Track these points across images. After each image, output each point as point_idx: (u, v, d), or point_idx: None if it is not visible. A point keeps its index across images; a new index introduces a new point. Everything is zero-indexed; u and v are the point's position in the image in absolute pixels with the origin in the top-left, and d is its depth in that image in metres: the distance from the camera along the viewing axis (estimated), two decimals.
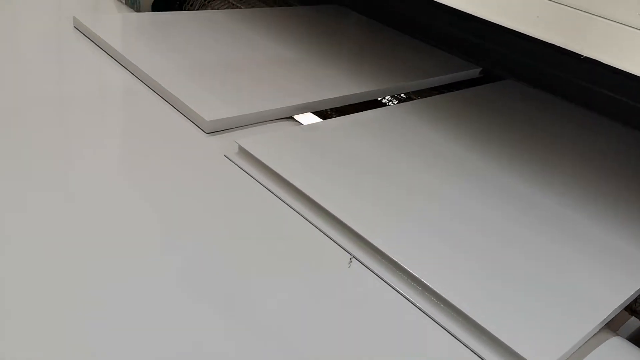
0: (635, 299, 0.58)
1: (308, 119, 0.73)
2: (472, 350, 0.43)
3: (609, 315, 0.47)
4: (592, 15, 0.43)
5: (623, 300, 0.48)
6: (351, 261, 0.50)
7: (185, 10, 1.19)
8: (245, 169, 0.60)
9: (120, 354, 0.38)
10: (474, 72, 0.99)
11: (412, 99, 0.89)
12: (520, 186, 0.62)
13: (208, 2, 1.16)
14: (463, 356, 0.43)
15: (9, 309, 0.40)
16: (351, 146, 0.65)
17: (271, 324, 0.43)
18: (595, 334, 0.46)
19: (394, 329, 0.44)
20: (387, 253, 0.49)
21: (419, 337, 0.44)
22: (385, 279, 0.48)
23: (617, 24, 0.42)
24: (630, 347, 0.46)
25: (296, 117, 0.72)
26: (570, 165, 0.70)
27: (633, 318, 0.95)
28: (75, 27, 0.89)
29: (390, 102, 0.91)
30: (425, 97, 0.88)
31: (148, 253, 0.48)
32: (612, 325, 0.90)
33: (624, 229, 0.57)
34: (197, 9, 1.17)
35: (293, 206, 0.55)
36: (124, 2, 1.06)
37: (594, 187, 0.65)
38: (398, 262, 0.48)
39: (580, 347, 0.44)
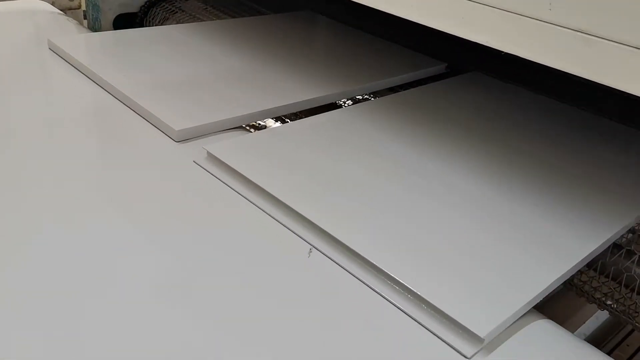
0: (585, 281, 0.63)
1: (271, 124, 0.77)
2: (414, 319, 0.47)
3: (542, 292, 0.50)
4: (509, 13, 0.47)
5: (556, 278, 0.51)
6: (311, 251, 0.54)
7: (147, 25, 1.23)
8: (213, 172, 0.64)
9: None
10: (440, 67, 1.02)
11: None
12: (463, 181, 0.66)
13: (170, 16, 1.20)
14: (404, 322, 0.47)
15: None
16: (308, 147, 0.69)
17: (246, 315, 0.47)
18: (524, 315, 0.48)
19: (356, 316, 0.48)
20: (343, 240, 0.53)
21: (366, 310, 0.48)
22: (341, 263, 0.52)
23: (531, 19, 0.47)
24: (557, 328, 0.48)
25: (260, 122, 0.77)
26: (527, 155, 0.73)
27: (599, 311, 0.99)
28: (50, 48, 0.93)
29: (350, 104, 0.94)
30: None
31: (120, 256, 0.52)
32: (575, 321, 0.94)
33: (560, 215, 0.61)
34: (159, 23, 1.21)
35: (257, 204, 0.59)
36: (85, 25, 1.11)
37: (546, 177, 0.68)
38: (358, 251, 0.52)
39: (509, 327, 0.47)
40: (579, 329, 0.88)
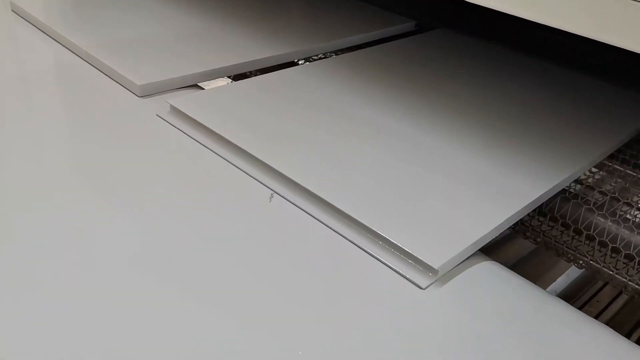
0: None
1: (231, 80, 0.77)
2: (372, 255, 0.48)
3: (492, 232, 0.51)
4: None
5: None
6: (272, 196, 0.55)
7: None
8: (176, 125, 0.64)
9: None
10: (409, 25, 1.01)
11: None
12: (417, 132, 0.67)
13: None
14: (363, 258, 0.48)
15: None
16: (269, 100, 0.69)
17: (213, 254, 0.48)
18: (474, 257, 0.49)
19: (316, 254, 0.49)
20: (301, 183, 0.54)
21: (324, 248, 0.49)
22: (300, 205, 0.53)
23: None
24: (503, 270, 0.49)
25: (221, 79, 0.77)
26: (483, 106, 0.74)
27: (573, 267, 1.01)
28: (13, 10, 0.92)
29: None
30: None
31: (86, 213, 0.52)
32: (547, 278, 0.96)
33: (512, 162, 0.61)
34: None
35: (220, 154, 0.60)
36: None
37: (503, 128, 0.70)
38: (317, 193, 0.53)
39: (460, 264, 0.48)
40: (550, 286, 0.90)
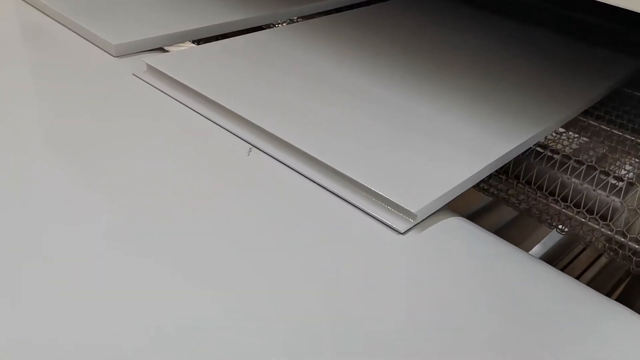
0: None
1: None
2: (352, 204, 0.49)
3: (463, 183, 0.51)
4: None
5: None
6: (250, 150, 0.55)
7: None
8: (152, 84, 0.63)
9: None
10: None
11: None
12: (386, 91, 0.67)
13: None
14: (343, 207, 0.48)
15: None
16: (242, 62, 0.69)
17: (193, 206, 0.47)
18: (437, 212, 0.50)
19: (296, 205, 0.49)
20: (280, 136, 0.54)
21: (304, 199, 0.49)
22: (277, 156, 0.54)
23: None
24: (469, 224, 0.49)
25: (189, 42, 0.76)
26: (452, 64, 0.75)
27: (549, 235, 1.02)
28: None
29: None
30: None
31: (62, 174, 0.51)
32: (530, 241, 0.96)
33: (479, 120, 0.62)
34: None
35: (198, 110, 0.59)
36: None
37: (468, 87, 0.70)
38: (292, 143, 0.53)
39: (433, 215, 0.49)
40: (530, 251, 0.92)
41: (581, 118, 0.69)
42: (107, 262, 0.41)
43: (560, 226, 0.63)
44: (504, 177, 0.62)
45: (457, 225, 0.49)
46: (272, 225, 0.46)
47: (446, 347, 0.38)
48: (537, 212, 0.62)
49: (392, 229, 0.47)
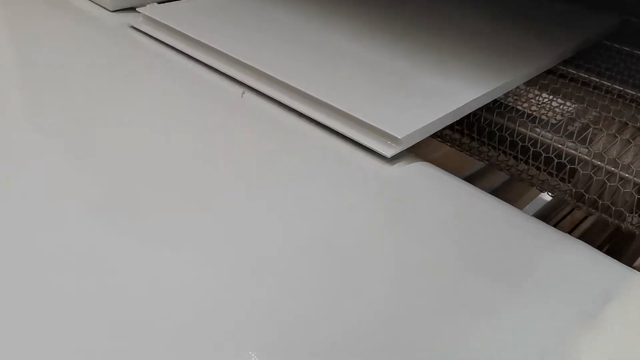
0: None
1: None
2: (340, 133, 0.51)
3: (445, 117, 0.53)
4: None
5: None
6: (244, 93, 0.58)
7: None
8: (149, 32, 0.66)
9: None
10: None
11: None
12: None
13: None
14: (330, 140, 0.51)
15: None
16: (232, 14, 0.71)
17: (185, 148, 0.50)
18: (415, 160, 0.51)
19: (288, 141, 0.52)
20: (272, 74, 0.57)
21: (295, 134, 0.52)
22: (271, 94, 0.56)
23: None
24: (437, 170, 0.51)
25: None
26: (419, 17, 0.77)
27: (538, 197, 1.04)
28: None
29: None
30: None
31: (65, 119, 0.54)
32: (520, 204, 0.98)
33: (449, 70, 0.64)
34: None
35: (193, 55, 0.62)
36: None
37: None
38: (284, 80, 0.56)
39: (402, 160, 0.51)
40: None
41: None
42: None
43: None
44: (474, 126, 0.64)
45: (428, 171, 0.51)
46: (265, 158, 0.49)
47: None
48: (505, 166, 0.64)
49: (379, 154, 0.49)
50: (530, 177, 0.62)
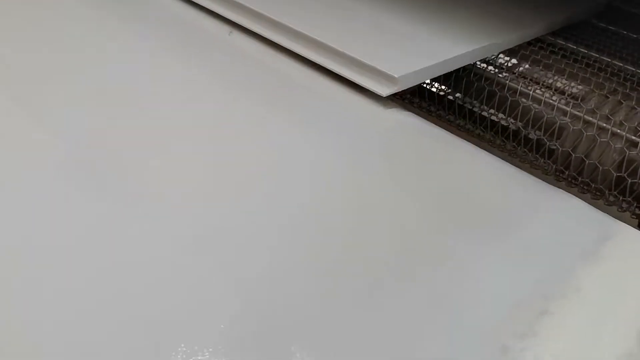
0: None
1: None
2: (337, 72, 0.50)
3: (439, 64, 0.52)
4: None
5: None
6: (231, 32, 0.56)
7: None
8: None
9: None
10: None
11: None
12: None
13: None
14: (325, 80, 0.49)
15: None
16: None
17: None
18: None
19: (282, 83, 0.50)
20: (264, 13, 0.55)
21: (289, 75, 0.51)
22: (260, 32, 0.54)
23: None
24: (421, 121, 0.49)
25: None
26: None
27: None
28: None
29: None
30: None
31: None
32: None
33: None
34: None
35: None
36: None
37: None
38: (275, 19, 0.54)
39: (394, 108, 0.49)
40: None
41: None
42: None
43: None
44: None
45: (418, 123, 0.49)
46: (251, 101, 0.47)
47: None
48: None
49: (375, 93, 0.48)
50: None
